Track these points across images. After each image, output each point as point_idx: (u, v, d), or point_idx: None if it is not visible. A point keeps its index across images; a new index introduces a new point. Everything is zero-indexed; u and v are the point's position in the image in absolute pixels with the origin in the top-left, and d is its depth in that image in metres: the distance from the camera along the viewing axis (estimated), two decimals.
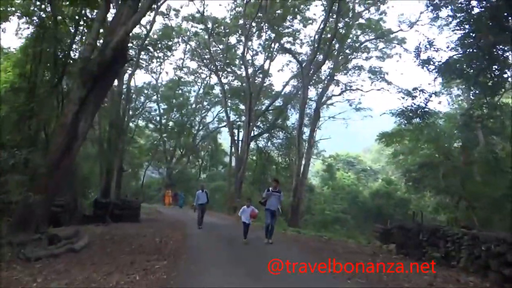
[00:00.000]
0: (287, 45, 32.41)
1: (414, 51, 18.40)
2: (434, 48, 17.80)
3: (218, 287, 6.25)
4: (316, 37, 30.79)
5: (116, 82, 24.81)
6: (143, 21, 27.26)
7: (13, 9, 11.99)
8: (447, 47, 17.37)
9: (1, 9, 12.37)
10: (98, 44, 11.22)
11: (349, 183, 39.74)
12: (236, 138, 35.00)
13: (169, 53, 36.29)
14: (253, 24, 31.94)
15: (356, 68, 34.52)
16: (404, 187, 33.01)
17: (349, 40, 32.25)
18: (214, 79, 41.22)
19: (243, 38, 33.18)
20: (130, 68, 27.46)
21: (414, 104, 19.58)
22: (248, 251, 10.19)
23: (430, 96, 19.01)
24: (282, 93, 37.23)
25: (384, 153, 55.33)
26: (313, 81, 32.07)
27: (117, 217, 17.86)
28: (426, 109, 19.30)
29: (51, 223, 13.38)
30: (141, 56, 31.04)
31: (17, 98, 10.89)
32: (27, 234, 9.13)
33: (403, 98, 21.44)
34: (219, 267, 7.73)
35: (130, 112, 33.91)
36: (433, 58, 17.84)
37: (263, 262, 7.99)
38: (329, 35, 29.13)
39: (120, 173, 29.24)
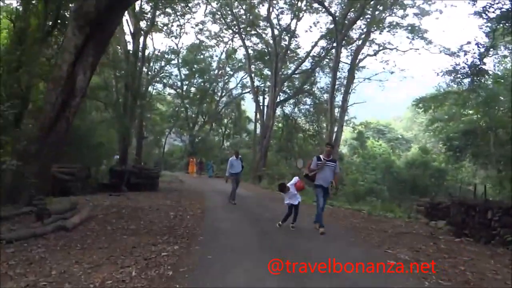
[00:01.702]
0: (315, 5, 29.46)
1: None
2: None
3: None
4: None
5: (131, 41, 23.06)
6: None
7: None
8: None
9: None
10: None
11: (380, 152, 37.37)
12: (261, 104, 33.04)
13: (188, 15, 33.94)
14: None
15: (392, 26, 31.35)
16: (443, 156, 30.55)
17: None
18: (237, 43, 38.84)
19: None
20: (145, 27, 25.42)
21: (467, 61, 17.02)
22: (285, 235, 7.78)
23: (488, 50, 16.37)
24: (311, 54, 34.54)
25: (417, 120, 52.30)
26: (344, 42, 29.28)
27: (134, 186, 16.98)
28: (480, 67, 16.72)
29: (59, 193, 12.16)
30: (159, 18, 29.05)
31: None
32: (15, 208, 7.70)
33: (454, 54, 18.73)
34: (245, 258, 5.66)
35: (149, 76, 32.24)
36: (493, 5, 15.21)
37: (305, 255, 5.97)
38: None
39: (140, 140, 28.05)
